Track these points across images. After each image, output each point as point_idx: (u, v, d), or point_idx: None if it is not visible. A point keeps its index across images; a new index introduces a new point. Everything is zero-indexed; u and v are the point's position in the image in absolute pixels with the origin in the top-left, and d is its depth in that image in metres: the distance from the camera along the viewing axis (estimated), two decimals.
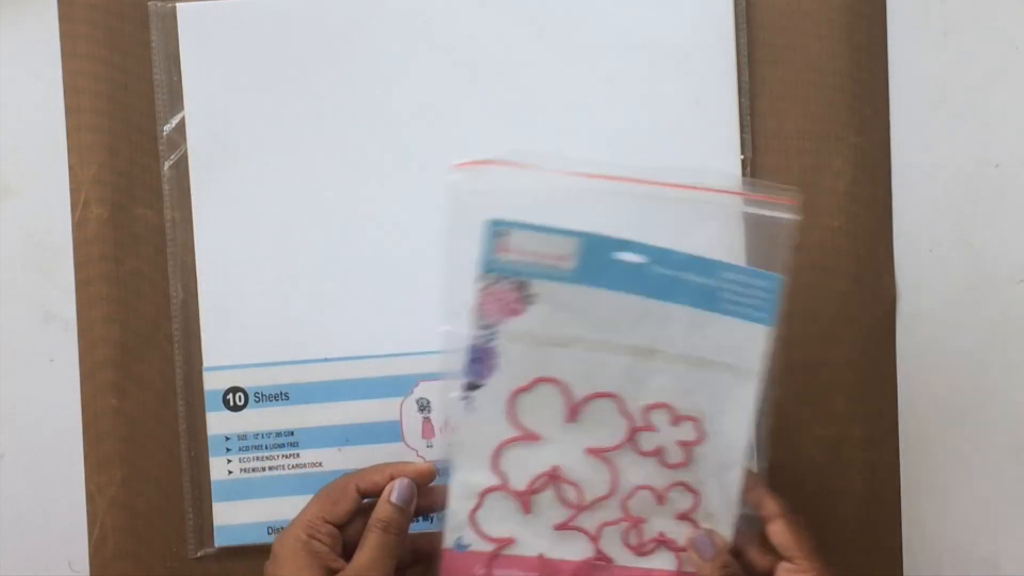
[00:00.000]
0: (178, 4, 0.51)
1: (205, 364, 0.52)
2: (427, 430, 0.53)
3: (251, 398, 0.52)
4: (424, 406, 0.52)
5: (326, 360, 0.52)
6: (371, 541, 0.44)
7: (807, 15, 0.53)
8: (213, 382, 0.52)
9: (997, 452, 0.55)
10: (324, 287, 0.52)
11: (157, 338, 0.52)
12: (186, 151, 0.51)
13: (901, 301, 0.55)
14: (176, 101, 0.51)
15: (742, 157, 0.53)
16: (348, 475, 0.46)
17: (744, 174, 0.53)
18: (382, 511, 0.45)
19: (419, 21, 0.51)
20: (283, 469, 0.52)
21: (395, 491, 0.46)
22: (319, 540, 0.44)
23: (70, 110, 0.52)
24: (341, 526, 0.45)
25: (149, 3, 0.51)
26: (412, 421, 0.52)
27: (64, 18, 0.52)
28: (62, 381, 0.53)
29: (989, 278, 0.55)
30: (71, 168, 0.52)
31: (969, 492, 0.55)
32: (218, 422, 0.52)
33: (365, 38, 0.51)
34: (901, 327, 0.55)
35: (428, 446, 0.52)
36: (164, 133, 0.51)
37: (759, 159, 0.53)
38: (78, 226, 0.52)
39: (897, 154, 0.55)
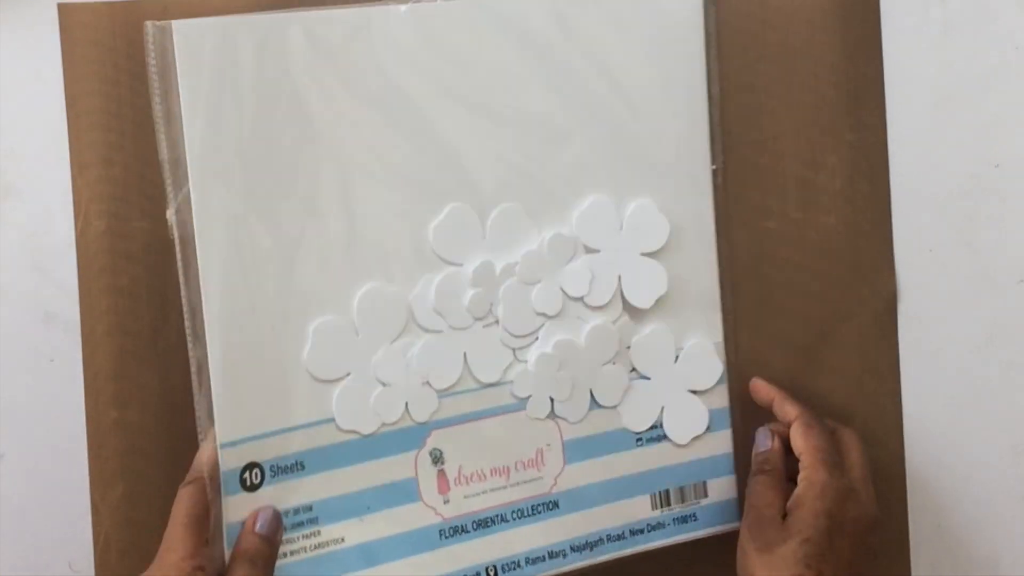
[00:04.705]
0: (173, 22, 0.46)
1: (221, 440, 0.46)
2: (442, 484, 0.49)
3: (267, 473, 0.47)
4: (437, 458, 0.49)
5: (334, 419, 0.48)
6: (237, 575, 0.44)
7: (802, 13, 0.53)
8: (230, 460, 0.46)
9: (997, 452, 0.55)
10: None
11: (157, 350, 0.52)
12: (188, 191, 0.47)
13: (902, 301, 0.55)
14: (174, 127, 0.46)
15: (713, 168, 0.52)
16: (172, 519, 0.45)
17: (715, 184, 0.52)
18: (248, 542, 0.45)
19: (412, 43, 0.49)
20: (305, 552, 0.48)
21: (259, 521, 0.45)
22: None
23: (71, 119, 0.52)
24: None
25: (146, 23, 0.47)
26: (427, 475, 0.49)
27: (64, 28, 0.52)
28: (62, 381, 0.53)
29: (989, 278, 0.55)
30: (73, 179, 0.52)
31: (970, 492, 0.55)
32: (235, 508, 0.46)
33: (358, 58, 0.48)
34: (901, 327, 0.55)
35: (445, 502, 0.49)
36: (165, 162, 0.47)
37: (757, 157, 0.53)
38: (80, 237, 0.52)
39: (897, 154, 0.55)
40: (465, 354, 0.49)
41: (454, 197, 0.49)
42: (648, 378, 0.52)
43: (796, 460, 0.49)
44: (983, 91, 0.55)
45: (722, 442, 0.53)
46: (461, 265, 0.49)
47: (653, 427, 0.52)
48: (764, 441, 0.51)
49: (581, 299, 0.50)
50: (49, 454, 0.53)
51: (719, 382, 0.53)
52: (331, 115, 0.48)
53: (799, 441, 0.49)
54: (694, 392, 0.52)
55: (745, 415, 0.53)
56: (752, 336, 0.54)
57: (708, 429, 0.52)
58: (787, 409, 0.51)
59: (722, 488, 0.53)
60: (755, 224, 0.54)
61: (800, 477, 0.48)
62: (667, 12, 0.51)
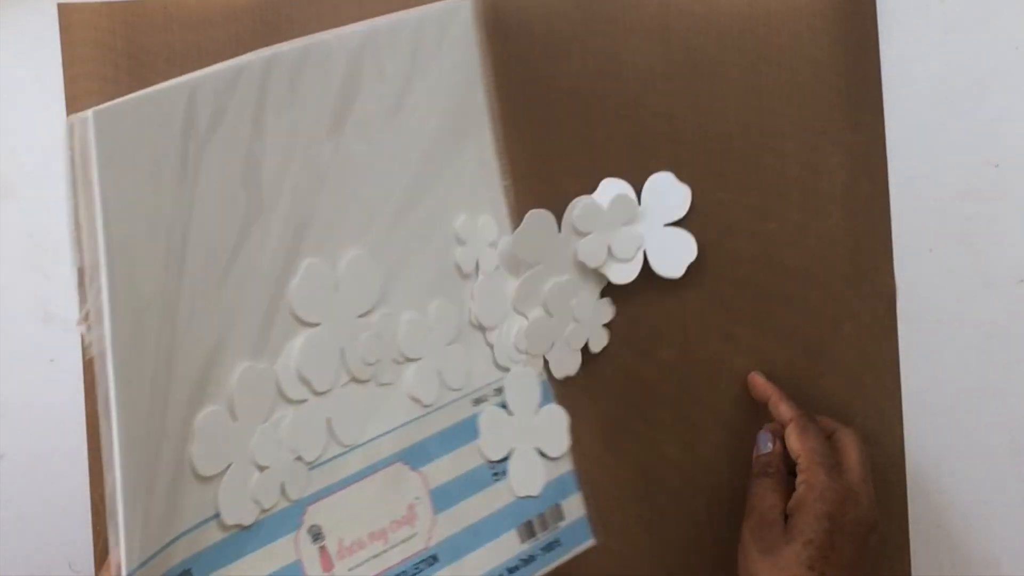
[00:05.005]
0: (91, 112, 0.40)
1: (127, 570, 0.40)
2: (325, 561, 0.47)
3: None
4: (317, 534, 0.46)
5: (216, 516, 0.44)
6: None
7: (802, 14, 0.53)
8: None
9: (998, 452, 0.55)
10: None
11: None
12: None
13: (902, 301, 0.55)
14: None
15: (504, 184, 0.52)
16: None
17: (507, 200, 0.52)
18: None
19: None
20: None
21: None
22: None
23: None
24: None
25: (68, 118, 0.42)
26: (310, 555, 0.46)
27: (64, 28, 0.52)
28: (62, 381, 0.53)
29: (989, 278, 0.55)
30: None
31: (970, 492, 0.55)
32: None
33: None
34: (901, 327, 0.55)
35: None
36: (86, 270, 0.42)
37: (758, 158, 0.54)
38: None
39: (897, 154, 0.55)
40: (329, 420, 0.47)
41: (308, 253, 0.46)
42: (511, 414, 0.52)
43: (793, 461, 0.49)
44: (983, 91, 0.55)
45: (565, 462, 0.53)
46: (319, 324, 0.47)
47: (504, 459, 0.51)
48: (765, 443, 0.51)
49: (626, 261, 0.52)
50: (49, 454, 0.53)
51: (566, 453, 0.52)
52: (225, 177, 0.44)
53: (795, 443, 0.49)
54: (540, 452, 0.52)
55: (577, 433, 0.53)
56: (753, 336, 0.54)
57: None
58: (782, 410, 0.51)
59: (573, 507, 0.52)
60: (756, 225, 0.54)
61: (799, 480, 0.48)
62: (444, 50, 0.50)
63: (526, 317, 0.52)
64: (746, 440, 0.52)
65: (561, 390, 0.53)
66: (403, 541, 0.49)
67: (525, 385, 0.52)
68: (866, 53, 0.54)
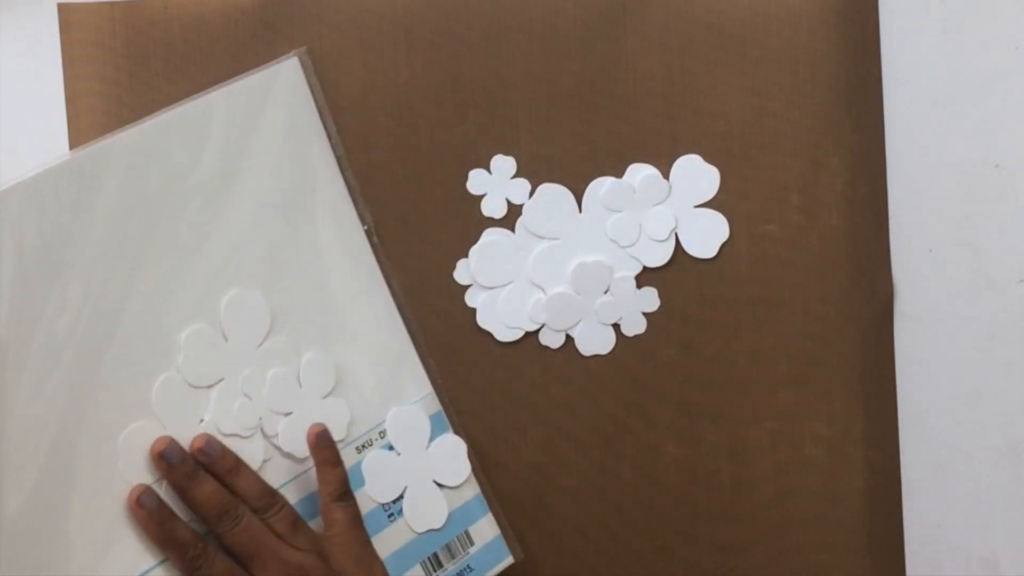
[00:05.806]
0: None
1: None
2: None
3: None
4: None
5: None
6: None
7: (802, 14, 0.53)
8: None
9: (997, 452, 0.55)
10: None
11: None
12: None
13: (901, 301, 0.55)
14: None
15: (365, 228, 0.52)
16: None
17: (372, 243, 0.52)
18: None
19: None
20: None
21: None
22: None
23: (71, 119, 0.52)
24: None
25: None
26: None
27: (64, 28, 0.52)
28: None
29: (989, 278, 0.55)
30: None
31: (969, 492, 0.55)
32: None
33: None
34: (901, 327, 0.55)
35: None
36: None
37: (758, 159, 0.54)
38: None
39: (896, 154, 0.55)
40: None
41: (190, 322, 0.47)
42: (399, 454, 0.51)
43: None
44: (983, 91, 0.55)
45: (468, 487, 0.52)
46: (210, 386, 0.47)
47: (398, 499, 0.51)
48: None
49: (660, 241, 0.53)
50: None
51: (467, 481, 0.52)
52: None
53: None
54: (439, 484, 0.52)
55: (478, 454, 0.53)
56: (753, 336, 0.54)
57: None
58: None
59: (484, 530, 0.52)
60: (756, 227, 0.54)
61: None
62: (269, 113, 0.50)
63: (543, 291, 0.53)
64: (746, 440, 0.52)
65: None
66: None
67: (409, 422, 0.51)
68: (866, 53, 0.54)
